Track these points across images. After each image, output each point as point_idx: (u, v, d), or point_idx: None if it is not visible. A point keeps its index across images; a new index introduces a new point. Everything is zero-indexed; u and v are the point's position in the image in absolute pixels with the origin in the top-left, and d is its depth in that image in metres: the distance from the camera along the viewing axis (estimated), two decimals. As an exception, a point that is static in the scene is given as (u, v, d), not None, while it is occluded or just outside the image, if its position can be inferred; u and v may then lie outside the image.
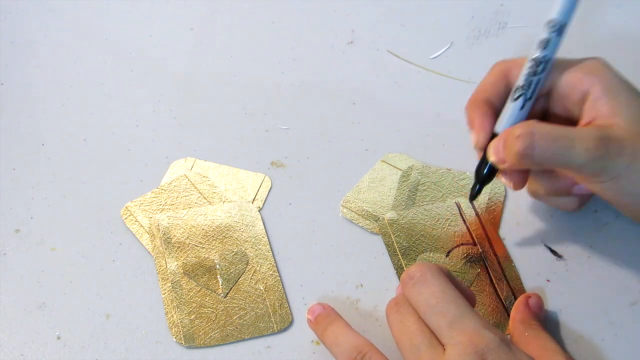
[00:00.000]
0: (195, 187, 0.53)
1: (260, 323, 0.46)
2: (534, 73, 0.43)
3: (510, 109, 0.44)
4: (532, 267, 0.49)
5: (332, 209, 0.52)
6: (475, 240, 0.50)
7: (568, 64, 0.44)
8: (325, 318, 0.44)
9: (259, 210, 0.52)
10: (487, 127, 0.45)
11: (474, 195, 0.47)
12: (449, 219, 0.51)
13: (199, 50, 0.63)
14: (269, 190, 0.53)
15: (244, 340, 0.46)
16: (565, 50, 0.44)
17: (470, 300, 0.42)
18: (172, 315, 0.47)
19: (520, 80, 0.44)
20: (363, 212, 0.52)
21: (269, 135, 0.57)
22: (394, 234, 0.50)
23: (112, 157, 0.55)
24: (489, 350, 0.38)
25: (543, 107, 0.46)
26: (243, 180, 0.54)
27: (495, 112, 0.45)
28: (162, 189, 0.53)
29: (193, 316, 0.47)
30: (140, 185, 0.53)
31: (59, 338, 0.46)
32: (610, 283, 0.48)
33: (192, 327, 0.46)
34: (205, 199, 0.53)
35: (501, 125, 0.45)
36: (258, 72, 0.61)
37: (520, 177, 0.46)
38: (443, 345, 0.39)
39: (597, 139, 0.41)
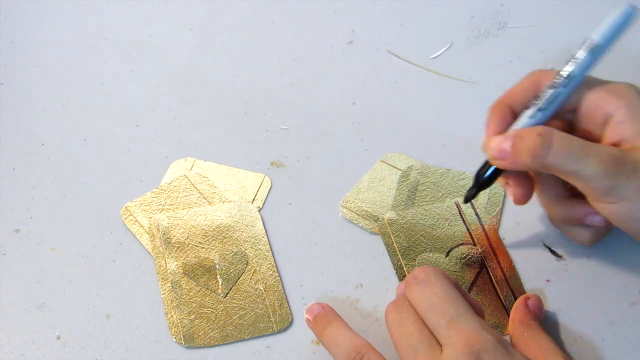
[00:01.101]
0: (195, 187, 0.53)
1: (260, 323, 0.46)
2: (553, 86, 0.43)
3: (523, 115, 0.44)
4: (532, 267, 0.49)
5: (332, 209, 0.52)
6: (475, 240, 0.50)
7: (596, 84, 0.44)
8: (324, 318, 0.44)
9: (258, 210, 0.52)
10: (499, 129, 0.45)
11: (469, 198, 0.47)
12: (448, 219, 0.51)
13: (199, 50, 0.63)
14: (269, 190, 0.53)
15: (243, 340, 0.46)
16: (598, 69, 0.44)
17: (479, 312, 0.42)
18: (172, 315, 0.47)
19: (541, 92, 0.44)
20: (363, 212, 0.52)
21: (269, 135, 0.57)
22: (394, 234, 0.50)
23: (112, 157, 0.55)
24: (485, 350, 0.38)
25: (569, 124, 0.45)
26: (243, 180, 0.54)
27: (515, 119, 0.45)
28: (162, 189, 0.53)
29: (193, 316, 0.47)
30: (140, 185, 0.53)
31: (59, 338, 0.46)
32: (610, 283, 0.48)
33: (192, 327, 0.46)
34: (205, 199, 0.53)
35: (512, 129, 0.44)
36: (258, 72, 0.61)
37: (525, 188, 0.45)
38: (441, 346, 0.39)
39: (613, 156, 0.40)
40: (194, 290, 0.48)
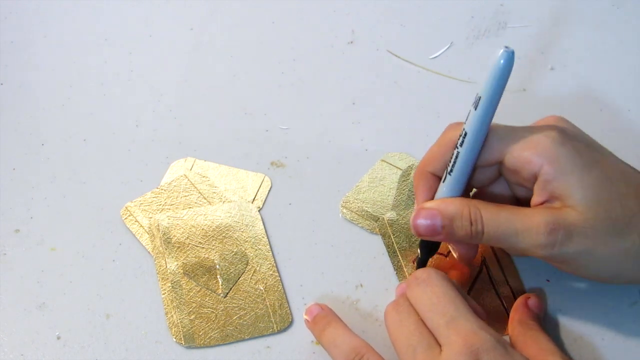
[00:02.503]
0: (195, 187, 0.53)
1: (260, 323, 0.46)
2: (454, 146, 0.42)
3: (441, 185, 0.43)
4: (532, 267, 0.49)
5: (332, 209, 0.52)
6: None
7: (517, 137, 0.41)
8: (323, 319, 0.44)
9: (258, 210, 0.52)
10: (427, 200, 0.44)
11: (420, 264, 0.46)
12: (448, 219, 0.51)
13: (199, 50, 0.63)
14: (269, 190, 0.53)
15: (243, 340, 0.46)
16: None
17: (480, 315, 0.41)
18: (172, 315, 0.47)
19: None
20: (363, 213, 0.52)
21: (269, 135, 0.57)
22: (394, 234, 0.50)
23: (112, 157, 0.55)
24: (484, 350, 0.38)
25: (497, 176, 0.44)
26: (243, 180, 0.54)
27: (439, 182, 0.44)
28: (162, 189, 0.53)
29: (193, 316, 0.47)
30: (140, 185, 0.53)
31: (59, 338, 0.46)
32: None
33: (192, 327, 0.46)
34: (205, 199, 0.53)
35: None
36: (258, 72, 0.61)
37: (468, 251, 0.46)
38: (440, 346, 0.39)
39: (544, 225, 0.39)
40: (194, 290, 0.48)
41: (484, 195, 0.45)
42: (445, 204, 0.42)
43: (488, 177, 0.44)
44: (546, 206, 0.41)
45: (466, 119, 0.41)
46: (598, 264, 0.41)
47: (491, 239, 0.41)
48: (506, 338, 0.44)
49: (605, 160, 0.42)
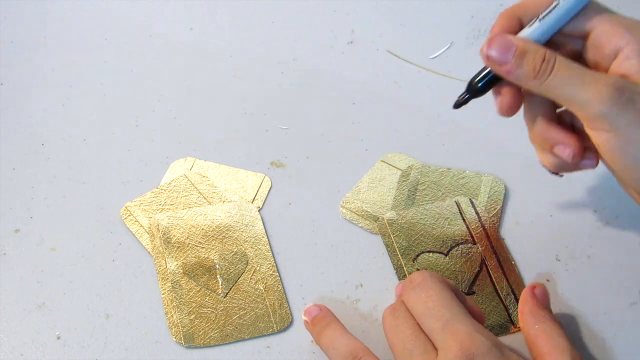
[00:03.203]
0: (195, 187, 0.53)
1: (260, 323, 0.46)
2: None
3: (533, 26, 0.42)
4: (532, 267, 0.49)
5: (332, 209, 0.52)
6: (475, 239, 0.50)
7: (609, 15, 0.42)
8: (321, 320, 0.44)
9: (258, 210, 0.52)
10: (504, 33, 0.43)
11: (460, 103, 0.45)
12: (448, 218, 0.51)
13: (199, 50, 0.63)
14: (269, 190, 0.53)
15: (243, 340, 0.46)
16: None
17: (479, 319, 0.42)
18: (172, 315, 0.47)
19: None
20: (362, 213, 0.52)
21: (269, 135, 0.57)
22: (394, 234, 0.50)
23: (112, 157, 0.55)
24: (480, 354, 0.37)
25: (578, 50, 0.44)
26: (243, 180, 0.54)
27: (521, 29, 0.43)
28: (162, 189, 0.53)
29: (193, 316, 0.47)
30: (140, 185, 0.53)
31: (58, 338, 0.46)
32: (610, 283, 0.48)
33: (191, 327, 0.46)
34: (205, 199, 0.53)
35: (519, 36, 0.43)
36: (258, 72, 0.61)
37: (514, 99, 0.44)
38: (437, 350, 0.39)
39: (612, 84, 0.39)
40: (194, 290, 0.48)
41: (526, 98, 0.45)
42: (524, 40, 0.42)
43: (566, 49, 0.44)
44: (617, 74, 0.41)
45: None
46: None
47: (556, 82, 0.40)
48: (509, 338, 0.44)
49: None
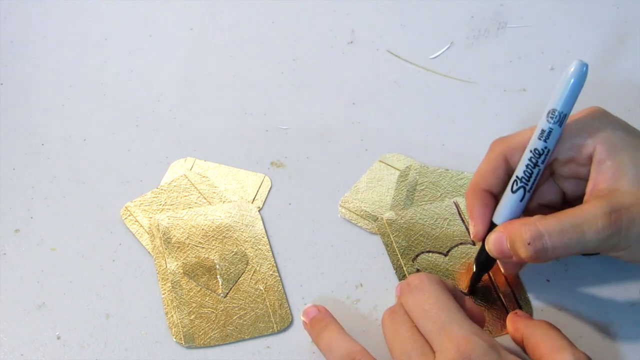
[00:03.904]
0: (195, 187, 0.53)
1: (260, 323, 0.46)
2: (534, 165, 0.42)
3: (510, 200, 0.43)
4: (532, 267, 0.48)
5: (332, 209, 0.52)
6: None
7: (568, 128, 0.43)
8: (320, 322, 0.44)
9: (258, 210, 0.52)
10: (486, 219, 0.44)
11: (474, 284, 0.47)
12: (447, 218, 0.51)
13: (198, 50, 0.63)
14: (269, 190, 0.53)
15: (243, 340, 0.46)
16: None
17: (479, 320, 0.41)
18: (172, 315, 0.47)
19: (519, 171, 0.43)
20: (362, 213, 0.52)
21: (269, 135, 0.57)
22: (393, 234, 0.50)
23: (112, 157, 0.55)
24: (477, 356, 0.37)
25: (549, 172, 0.45)
26: (243, 180, 0.54)
27: (495, 200, 0.45)
28: (162, 189, 0.53)
29: (193, 316, 0.47)
30: (140, 185, 0.53)
31: (59, 338, 0.46)
32: (610, 283, 0.48)
33: (192, 327, 0.46)
34: (205, 199, 0.53)
35: (500, 216, 0.44)
36: (258, 72, 0.61)
37: (518, 267, 0.47)
38: (434, 352, 0.39)
39: (606, 216, 0.40)
40: (194, 290, 0.48)
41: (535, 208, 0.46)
42: (504, 227, 0.43)
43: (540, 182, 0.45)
44: (599, 190, 0.42)
45: (541, 139, 0.42)
46: None
47: (558, 250, 0.41)
48: (508, 337, 0.44)
49: None
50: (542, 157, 0.42)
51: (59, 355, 0.45)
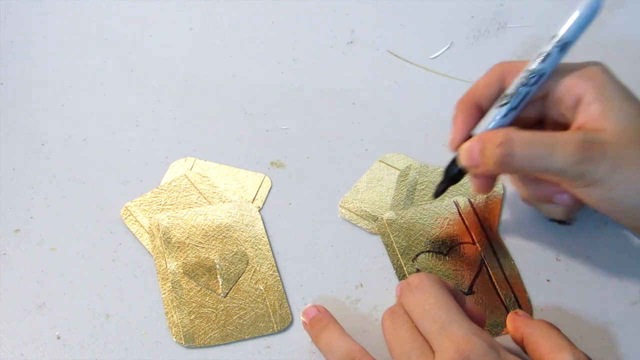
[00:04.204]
0: (195, 187, 0.53)
1: (260, 323, 0.46)
2: (525, 84, 0.43)
3: (493, 114, 0.44)
4: (532, 267, 0.49)
5: (332, 209, 0.52)
6: (475, 239, 0.50)
7: (565, 68, 0.44)
8: (319, 322, 0.44)
9: (258, 210, 0.52)
10: (466, 128, 0.45)
11: (439, 193, 0.48)
12: (447, 218, 0.51)
13: (198, 50, 0.63)
14: (269, 190, 0.53)
15: (244, 340, 0.46)
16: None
17: (480, 320, 0.41)
18: (172, 315, 0.47)
19: (510, 88, 0.44)
20: (362, 213, 0.52)
21: (269, 135, 0.57)
22: (393, 234, 0.50)
23: (112, 157, 0.55)
24: (476, 356, 0.37)
25: (540, 112, 0.46)
26: (243, 180, 0.54)
27: (482, 114, 0.45)
28: (162, 189, 0.53)
29: (193, 316, 0.47)
30: (140, 185, 0.53)
31: (59, 338, 0.46)
32: (610, 283, 0.48)
33: (192, 327, 0.46)
34: (205, 199, 0.53)
35: (480, 128, 0.45)
36: (258, 72, 0.61)
37: (488, 181, 0.46)
38: (434, 353, 0.39)
39: (579, 143, 0.40)
40: (194, 290, 0.48)
41: None
42: (480, 135, 0.44)
43: (528, 117, 0.45)
44: (582, 128, 0.42)
45: (541, 60, 0.43)
46: (628, 188, 0.41)
47: (524, 160, 0.41)
48: (508, 337, 0.44)
49: None
50: (535, 78, 0.43)
51: (59, 355, 0.45)
